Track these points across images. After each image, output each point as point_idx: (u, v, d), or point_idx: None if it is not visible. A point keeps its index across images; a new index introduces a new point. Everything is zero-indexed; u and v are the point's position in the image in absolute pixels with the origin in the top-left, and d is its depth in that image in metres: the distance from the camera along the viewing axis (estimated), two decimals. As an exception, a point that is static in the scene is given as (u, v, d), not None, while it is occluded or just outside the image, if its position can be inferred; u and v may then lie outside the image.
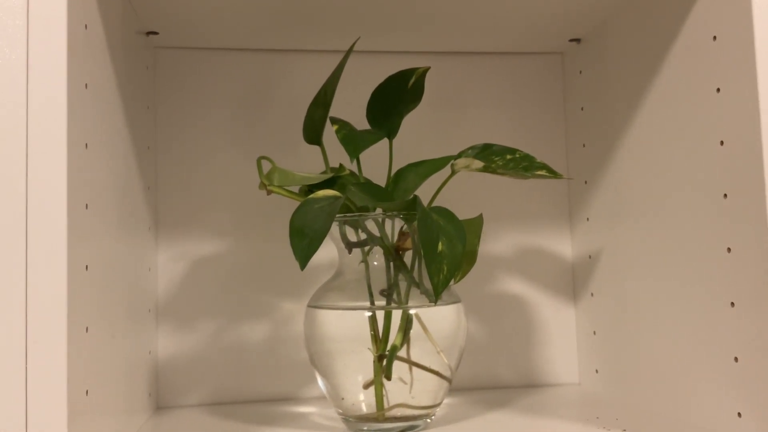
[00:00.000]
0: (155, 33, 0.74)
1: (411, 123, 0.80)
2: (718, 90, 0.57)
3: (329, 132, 0.69)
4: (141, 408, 0.68)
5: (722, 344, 0.57)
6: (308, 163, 0.79)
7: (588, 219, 0.80)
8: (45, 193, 0.45)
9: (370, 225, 0.64)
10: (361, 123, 0.69)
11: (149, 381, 0.72)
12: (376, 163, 0.72)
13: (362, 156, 0.68)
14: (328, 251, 0.80)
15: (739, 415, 0.55)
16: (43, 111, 0.45)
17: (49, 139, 0.45)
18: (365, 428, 0.63)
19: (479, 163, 0.63)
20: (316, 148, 0.69)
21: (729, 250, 0.56)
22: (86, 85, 0.50)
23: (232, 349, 0.78)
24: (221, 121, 0.80)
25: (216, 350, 0.78)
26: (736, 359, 0.55)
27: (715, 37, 0.57)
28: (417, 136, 0.82)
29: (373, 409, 0.62)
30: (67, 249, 0.45)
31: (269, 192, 0.64)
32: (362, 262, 0.64)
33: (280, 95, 0.82)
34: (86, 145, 0.49)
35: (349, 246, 0.65)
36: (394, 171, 0.67)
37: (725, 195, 0.56)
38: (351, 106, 0.73)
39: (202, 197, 0.79)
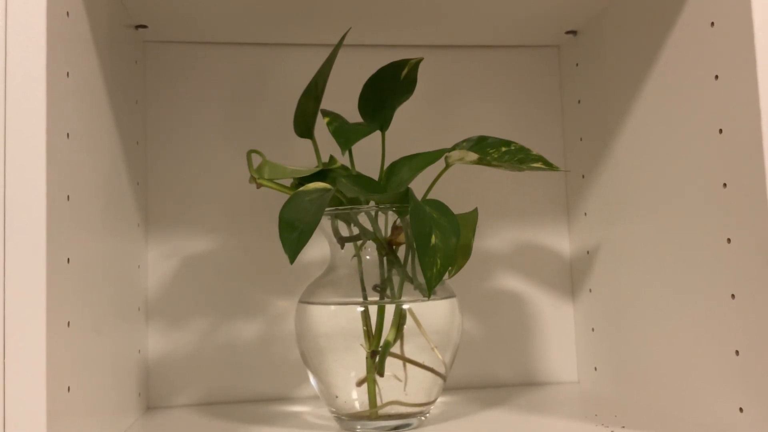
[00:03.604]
0: (144, 26, 0.73)
1: (405, 117, 0.79)
2: (717, 77, 0.55)
3: (321, 126, 0.67)
4: (130, 408, 0.66)
5: (723, 338, 0.56)
6: (300, 158, 0.78)
7: (586, 214, 0.79)
8: (23, 181, 0.43)
9: (363, 219, 0.63)
10: (353, 119, 0.68)
11: (139, 380, 0.71)
12: (369, 157, 0.71)
13: (355, 150, 0.67)
14: (321, 248, 0.79)
15: (741, 410, 0.54)
16: (22, 96, 0.44)
17: (28, 125, 0.44)
18: (358, 426, 0.61)
19: (473, 156, 0.62)
20: (309, 143, 0.68)
21: (729, 240, 0.55)
22: (68, 73, 0.49)
23: (223, 348, 0.77)
24: (212, 116, 0.79)
25: (208, 349, 0.77)
26: (737, 353, 0.54)
27: (713, 23, 0.56)
28: (411, 131, 0.81)
29: (367, 407, 0.61)
30: (46, 239, 0.43)
31: (259, 185, 0.62)
32: (355, 256, 0.63)
33: (271, 90, 0.80)
34: (68, 134, 0.48)
35: (342, 241, 0.64)
36: (387, 164, 0.66)
37: (725, 184, 0.55)
38: (343, 101, 0.72)
39: (193, 193, 0.78)
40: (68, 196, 0.48)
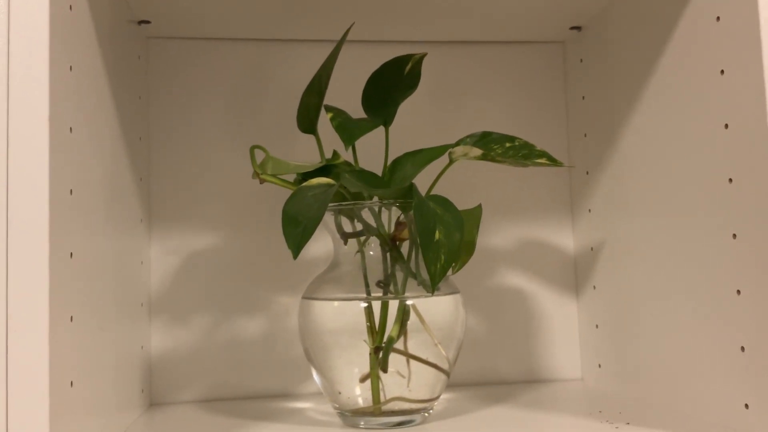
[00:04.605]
0: (147, 22, 0.73)
1: (409, 113, 0.79)
2: (722, 72, 0.55)
3: (324, 122, 0.67)
4: (133, 404, 0.66)
5: (728, 334, 0.55)
6: (304, 153, 0.78)
7: (590, 210, 0.79)
8: (26, 175, 0.43)
9: (366, 215, 0.62)
10: (357, 114, 0.68)
11: (142, 377, 0.71)
12: (372, 153, 0.71)
13: (358, 145, 0.67)
14: (324, 244, 0.78)
15: (747, 406, 0.54)
16: (25, 90, 0.44)
17: (31, 119, 0.43)
18: (361, 423, 0.61)
19: (477, 151, 0.61)
20: (312, 139, 0.68)
21: (734, 236, 0.54)
22: (71, 67, 0.48)
23: (227, 345, 0.77)
24: (215, 112, 0.79)
25: (211, 345, 0.77)
26: (742, 349, 0.54)
27: (718, 18, 0.55)
28: (415, 127, 0.81)
29: (370, 403, 0.60)
30: (49, 233, 0.43)
31: (262, 181, 0.62)
32: (358, 252, 0.63)
33: (274, 85, 0.80)
34: (70, 129, 0.48)
35: (345, 236, 0.63)
36: (390, 160, 0.66)
37: (730, 179, 0.55)
38: (346, 97, 0.72)
39: (196, 189, 0.78)
40: (71, 191, 0.48)
